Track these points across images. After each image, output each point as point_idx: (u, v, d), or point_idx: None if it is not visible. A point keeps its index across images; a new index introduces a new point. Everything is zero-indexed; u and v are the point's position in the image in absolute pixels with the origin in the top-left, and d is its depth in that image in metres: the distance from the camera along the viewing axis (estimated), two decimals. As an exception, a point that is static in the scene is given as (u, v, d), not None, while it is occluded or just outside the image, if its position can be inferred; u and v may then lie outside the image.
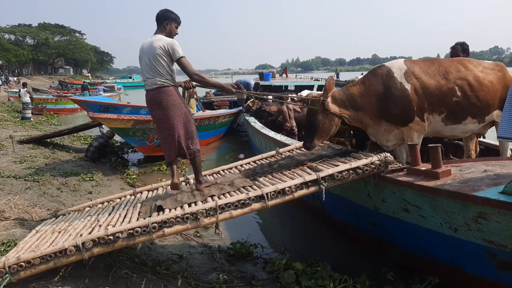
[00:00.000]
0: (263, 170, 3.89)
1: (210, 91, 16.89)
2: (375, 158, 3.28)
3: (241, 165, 4.40)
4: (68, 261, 2.67)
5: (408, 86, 3.58)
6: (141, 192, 4.02)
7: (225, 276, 3.25)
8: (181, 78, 3.81)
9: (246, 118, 9.25)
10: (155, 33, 3.45)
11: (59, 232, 3.14)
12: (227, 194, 3.21)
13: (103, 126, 10.36)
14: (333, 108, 3.66)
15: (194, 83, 3.78)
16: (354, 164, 3.25)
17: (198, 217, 2.87)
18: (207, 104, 15.54)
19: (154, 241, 3.82)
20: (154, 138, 8.30)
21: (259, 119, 8.72)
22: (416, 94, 3.58)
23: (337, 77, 33.32)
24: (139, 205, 3.47)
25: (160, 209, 3.13)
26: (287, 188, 3.06)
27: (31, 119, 14.84)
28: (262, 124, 7.97)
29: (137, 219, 3.02)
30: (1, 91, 25.23)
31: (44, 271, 2.64)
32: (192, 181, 3.94)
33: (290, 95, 7.28)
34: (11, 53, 52.19)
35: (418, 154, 3.17)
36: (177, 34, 3.52)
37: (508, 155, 3.92)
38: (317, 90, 13.63)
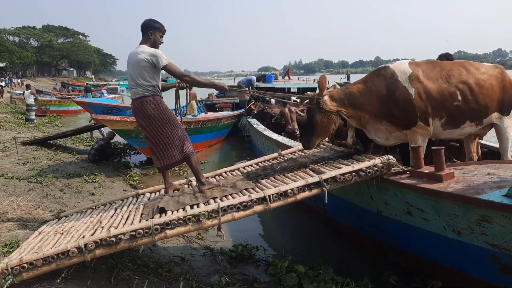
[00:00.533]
0: (266, 172, 3.89)
1: (213, 93, 16.90)
2: (378, 161, 3.27)
3: (244, 167, 4.40)
4: (71, 263, 2.67)
5: (412, 91, 3.54)
6: (143, 194, 4.02)
7: (227, 279, 3.25)
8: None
9: (249, 120, 9.26)
10: (140, 43, 3.53)
11: (62, 233, 3.15)
12: (230, 196, 3.21)
13: (102, 128, 10.42)
14: (329, 105, 3.67)
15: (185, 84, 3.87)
16: (357, 166, 3.25)
17: (200, 219, 2.87)
18: (209, 106, 15.55)
19: (156, 243, 3.83)
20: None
21: (261, 121, 8.73)
22: (420, 98, 3.55)
23: (348, 79, 33.64)
24: (141, 207, 3.47)
25: (162, 211, 3.13)
26: (290, 190, 3.06)
27: (35, 120, 14.92)
28: (264, 126, 7.98)
29: (140, 221, 3.01)
30: (4, 93, 25.36)
31: (47, 272, 2.65)
32: (194, 183, 3.94)
33: (293, 97, 7.26)
34: (15, 55, 52.53)
35: (421, 156, 3.16)
36: (162, 43, 3.61)
37: (509, 158, 3.90)
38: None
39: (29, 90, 15.81)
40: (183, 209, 3.07)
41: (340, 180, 3.17)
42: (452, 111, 3.63)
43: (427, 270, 3.23)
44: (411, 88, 3.56)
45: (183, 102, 4.15)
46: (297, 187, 3.08)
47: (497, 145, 4.19)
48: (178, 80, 3.73)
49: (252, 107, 10.02)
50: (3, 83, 30.55)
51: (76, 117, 20.27)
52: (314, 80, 13.79)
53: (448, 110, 3.63)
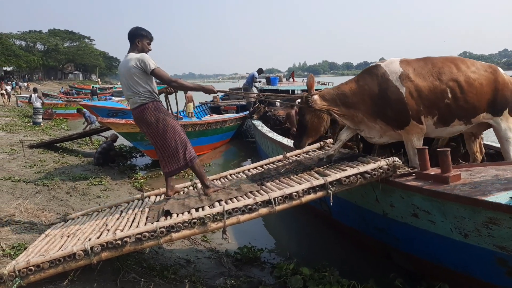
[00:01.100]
0: (270, 174, 3.89)
1: (217, 95, 16.92)
2: (383, 163, 3.26)
3: (249, 170, 4.41)
4: (77, 265, 2.69)
5: (403, 90, 3.53)
6: (149, 197, 4.04)
7: (232, 281, 3.25)
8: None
9: (253, 122, 9.25)
10: (128, 52, 3.54)
11: (68, 236, 3.17)
12: (234, 199, 3.21)
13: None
14: (319, 104, 3.67)
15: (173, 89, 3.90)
16: (362, 168, 3.24)
17: (206, 222, 2.87)
18: (214, 109, 15.59)
19: (161, 246, 3.84)
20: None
21: (266, 123, 8.72)
22: (411, 97, 3.52)
23: None
24: (147, 209, 3.49)
25: (167, 213, 3.14)
26: (295, 193, 3.05)
27: (41, 124, 15.04)
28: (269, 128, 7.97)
29: (145, 224, 3.03)
30: (11, 97, 25.61)
31: (53, 275, 2.67)
32: (199, 185, 3.95)
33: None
34: (22, 59, 53.05)
35: (427, 158, 3.14)
36: (150, 50, 3.62)
37: None
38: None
39: (36, 94, 15.93)
40: (188, 212, 3.08)
41: (346, 182, 3.16)
42: (443, 109, 3.59)
43: (433, 272, 3.21)
44: (402, 87, 3.54)
45: (180, 106, 4.16)
46: (302, 190, 3.08)
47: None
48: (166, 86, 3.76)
49: (256, 116, 9.65)
50: (9, 87, 30.83)
51: (82, 120, 20.38)
52: (319, 82, 13.76)
53: (439, 108, 3.59)
